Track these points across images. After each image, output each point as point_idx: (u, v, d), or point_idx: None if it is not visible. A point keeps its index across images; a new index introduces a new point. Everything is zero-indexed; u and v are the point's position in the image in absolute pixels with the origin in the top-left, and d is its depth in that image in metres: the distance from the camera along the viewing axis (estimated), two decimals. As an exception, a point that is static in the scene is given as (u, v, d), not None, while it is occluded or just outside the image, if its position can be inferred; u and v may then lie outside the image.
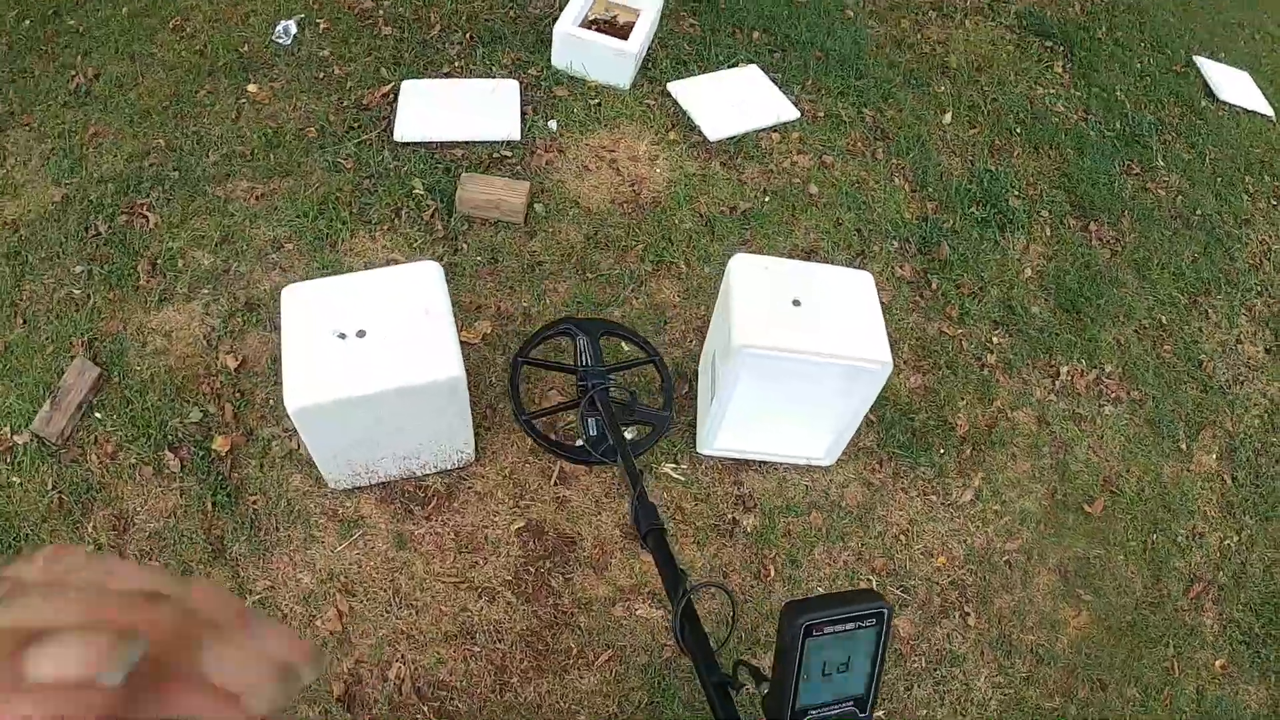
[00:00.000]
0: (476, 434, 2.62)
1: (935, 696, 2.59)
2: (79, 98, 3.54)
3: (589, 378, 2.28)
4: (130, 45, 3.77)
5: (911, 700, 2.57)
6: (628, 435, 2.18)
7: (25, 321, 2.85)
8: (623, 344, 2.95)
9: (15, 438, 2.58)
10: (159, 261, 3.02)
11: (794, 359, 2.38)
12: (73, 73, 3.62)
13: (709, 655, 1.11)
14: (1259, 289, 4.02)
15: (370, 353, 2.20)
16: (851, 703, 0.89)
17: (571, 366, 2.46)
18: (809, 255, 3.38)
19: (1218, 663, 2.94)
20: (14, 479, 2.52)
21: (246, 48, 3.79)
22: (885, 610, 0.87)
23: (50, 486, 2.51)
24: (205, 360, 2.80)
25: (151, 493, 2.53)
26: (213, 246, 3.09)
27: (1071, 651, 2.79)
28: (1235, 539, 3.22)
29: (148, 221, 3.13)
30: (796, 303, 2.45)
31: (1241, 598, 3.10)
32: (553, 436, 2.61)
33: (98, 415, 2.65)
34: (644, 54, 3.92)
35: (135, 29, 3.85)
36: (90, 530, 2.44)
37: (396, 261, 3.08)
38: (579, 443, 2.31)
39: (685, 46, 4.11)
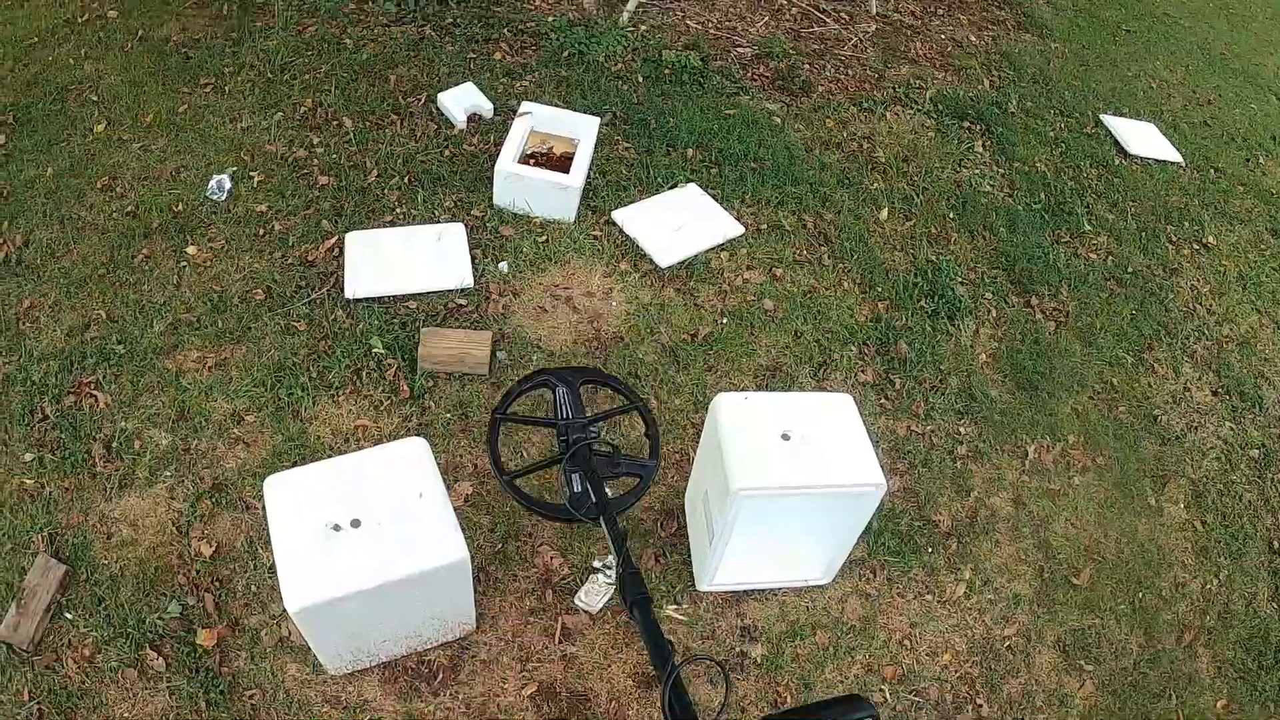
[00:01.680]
0: (475, 600, 2.69)
1: (962, 792, 2.76)
2: (9, 268, 3.52)
3: (570, 431, 2.25)
4: (58, 209, 3.76)
5: (941, 800, 2.73)
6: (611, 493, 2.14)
7: (-22, 518, 2.83)
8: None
9: (-20, 645, 2.54)
10: (114, 444, 3.00)
11: (792, 495, 2.57)
12: (0, 241, 3.62)
13: None
14: (1196, 334, 4.34)
15: (368, 543, 2.25)
16: None
17: (552, 420, 2.43)
18: (773, 373, 3.60)
19: (1219, 704, 3.15)
20: (-15, 691, 2.49)
21: (180, 206, 3.79)
22: (871, 717, 0.85)
23: (27, 697, 2.45)
24: (177, 548, 2.79)
25: (139, 696, 2.50)
26: (169, 424, 3.08)
27: (1083, 723, 2.98)
28: (1215, 581, 3.46)
29: (97, 401, 3.11)
30: (786, 436, 2.62)
31: (1230, 637, 3.33)
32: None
33: (69, 616, 2.61)
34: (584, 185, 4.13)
35: (62, 190, 3.84)
36: (80, 744, 2.43)
37: (365, 428, 3.15)
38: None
39: (623, 171, 4.33)
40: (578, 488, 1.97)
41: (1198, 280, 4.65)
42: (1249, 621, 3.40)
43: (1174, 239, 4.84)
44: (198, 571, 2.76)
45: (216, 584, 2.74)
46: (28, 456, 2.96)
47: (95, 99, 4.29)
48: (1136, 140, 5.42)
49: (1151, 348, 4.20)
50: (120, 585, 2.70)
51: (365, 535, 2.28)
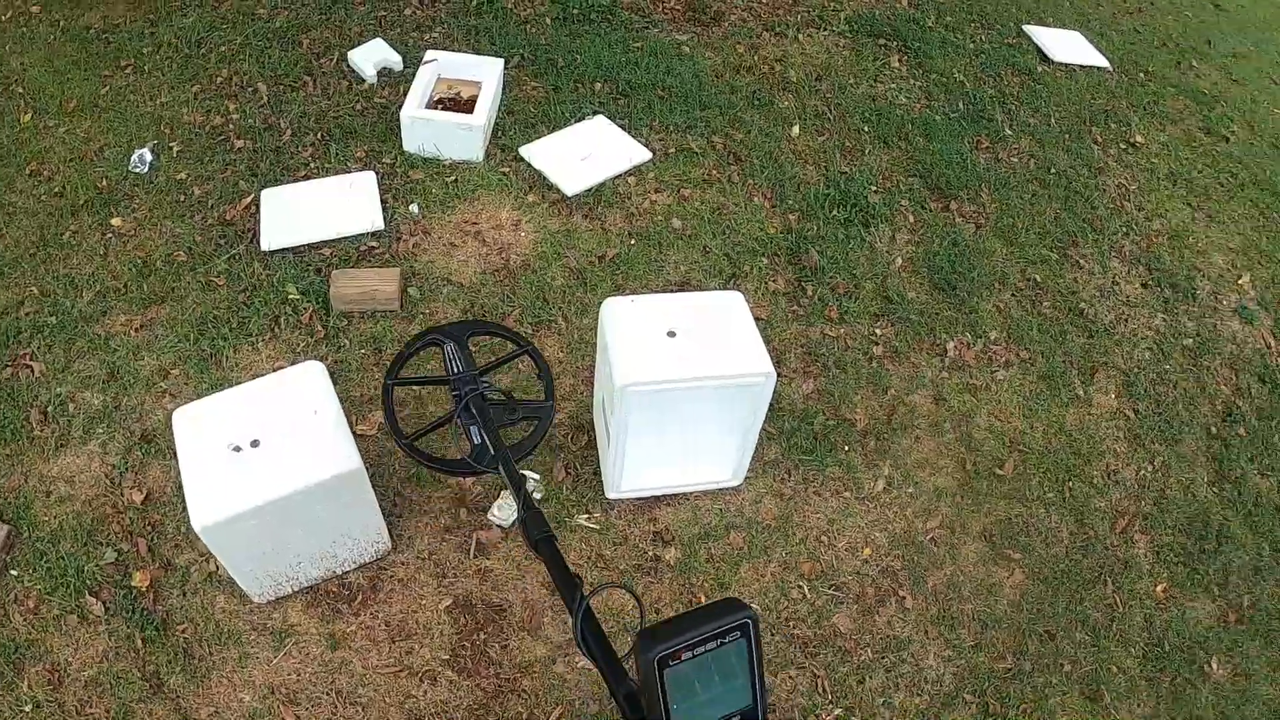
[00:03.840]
0: (389, 523, 2.79)
1: (889, 683, 2.80)
2: None
3: (462, 385, 2.27)
4: None
5: (866, 692, 2.77)
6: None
7: (-77, 491, 2.95)
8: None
9: (-67, 608, 2.66)
10: (49, 409, 3.14)
11: (678, 388, 2.60)
12: None
13: (615, 663, 1.09)
14: (1124, 230, 4.41)
15: (267, 460, 2.37)
16: (739, 716, 0.91)
17: (444, 377, 2.47)
18: (682, 288, 3.65)
19: (1159, 588, 3.22)
20: (-62, 651, 2.60)
21: (105, 182, 3.94)
22: (748, 620, 0.88)
23: (-22, 652, 2.59)
24: (111, 499, 2.92)
25: (81, 640, 2.63)
26: (100, 385, 3.22)
27: (1013, 610, 3.03)
28: (1150, 468, 3.53)
29: (32, 371, 3.24)
30: (671, 333, 2.68)
31: (1168, 521, 3.40)
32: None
33: (13, 573, 2.75)
34: (492, 124, 4.19)
35: None
36: (26, 689, 2.52)
37: (283, 369, 3.25)
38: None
39: (531, 110, 4.40)
40: (476, 440, 2.03)
41: (1125, 178, 4.72)
42: (1187, 506, 3.47)
43: (1100, 140, 4.91)
44: (130, 519, 2.89)
45: (148, 528, 2.87)
46: (-32, 430, 3.11)
47: (21, 91, 4.39)
48: (1060, 48, 5.48)
49: (1077, 244, 4.26)
50: (60, 539, 2.83)
51: (265, 453, 2.38)
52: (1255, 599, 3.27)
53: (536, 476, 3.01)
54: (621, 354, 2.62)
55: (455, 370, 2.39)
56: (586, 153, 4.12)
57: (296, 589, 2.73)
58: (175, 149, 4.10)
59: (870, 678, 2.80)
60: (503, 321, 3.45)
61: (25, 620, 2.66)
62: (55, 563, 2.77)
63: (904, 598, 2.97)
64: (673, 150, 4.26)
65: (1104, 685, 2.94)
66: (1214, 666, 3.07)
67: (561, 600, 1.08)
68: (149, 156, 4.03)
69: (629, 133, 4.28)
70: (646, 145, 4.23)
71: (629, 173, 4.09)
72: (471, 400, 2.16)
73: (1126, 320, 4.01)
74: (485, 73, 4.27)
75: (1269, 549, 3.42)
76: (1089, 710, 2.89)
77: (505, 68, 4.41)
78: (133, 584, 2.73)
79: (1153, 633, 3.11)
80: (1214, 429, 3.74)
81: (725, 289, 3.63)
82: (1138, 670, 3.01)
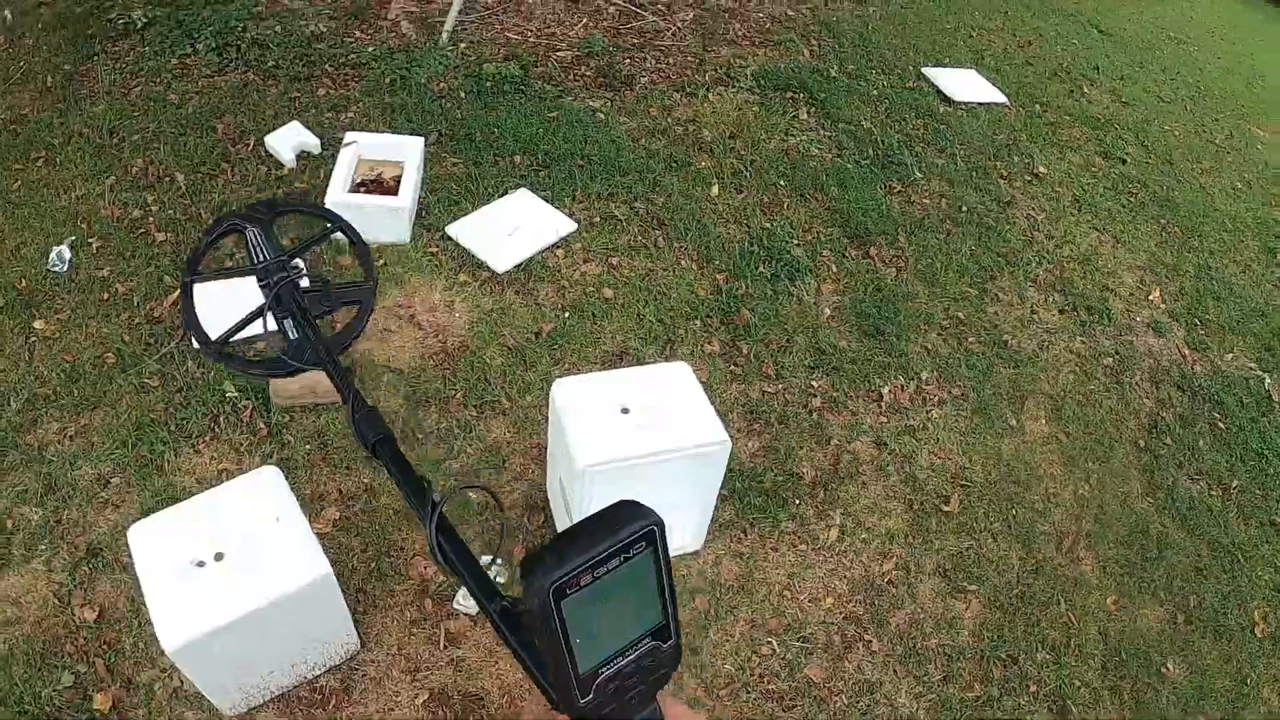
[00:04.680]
0: (355, 620, 2.80)
1: (865, 728, 2.90)
2: None
3: (270, 274, 2.13)
4: None
5: (843, 739, 2.86)
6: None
7: None
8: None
9: (-125, 752, 2.59)
10: None
11: (638, 464, 2.69)
12: None
13: (481, 576, 0.96)
14: (1037, 259, 4.65)
15: (233, 573, 2.36)
16: (650, 638, 0.82)
17: (248, 268, 2.34)
18: (620, 357, 3.74)
19: (1110, 600, 3.39)
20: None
21: (24, 282, 3.85)
22: (653, 526, 0.78)
23: (-70, 795, 2.52)
24: (62, 619, 2.86)
25: None
26: (38, 499, 3.15)
27: (975, 640, 3.16)
28: (1086, 486, 3.72)
29: None
30: (625, 410, 2.76)
31: (1110, 535, 3.59)
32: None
33: None
34: (416, 204, 4.25)
35: None
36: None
37: (228, 471, 3.23)
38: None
39: (454, 187, 4.46)
40: (294, 335, 1.78)
41: (1033, 209, 4.97)
42: (1125, 519, 3.66)
43: (1005, 174, 5.16)
44: (85, 638, 2.83)
45: (105, 647, 2.81)
46: (-99, 554, 3.02)
47: None
48: (959, 87, 5.77)
49: (994, 278, 4.47)
50: (11, 663, 2.76)
51: (230, 566, 2.38)
52: (1200, 598, 3.48)
53: (500, 561, 3.05)
54: (579, 435, 2.69)
55: (261, 259, 2.23)
56: (513, 227, 4.21)
57: (267, 698, 2.71)
58: (94, 245, 4.03)
59: (846, 724, 2.89)
60: (446, 407, 3.50)
61: (-16, 758, 2.60)
62: (10, 690, 2.70)
63: (870, 641, 3.07)
64: (597, 219, 4.37)
65: (1070, 700, 3.08)
66: (1170, 668, 3.25)
67: (448, 568, 0.83)
68: (67, 254, 3.95)
69: (552, 204, 4.38)
70: (571, 216, 4.34)
71: (557, 245, 4.19)
72: (282, 290, 1.94)
73: (1048, 347, 4.21)
74: (406, 152, 4.32)
75: (1207, 549, 3.64)
76: (1058, 729, 3.02)
77: (424, 145, 4.47)
78: (94, 707, 2.68)
79: (1109, 644, 3.27)
80: (1142, 442, 3.95)
81: (662, 355, 3.74)
82: (1099, 681, 3.16)
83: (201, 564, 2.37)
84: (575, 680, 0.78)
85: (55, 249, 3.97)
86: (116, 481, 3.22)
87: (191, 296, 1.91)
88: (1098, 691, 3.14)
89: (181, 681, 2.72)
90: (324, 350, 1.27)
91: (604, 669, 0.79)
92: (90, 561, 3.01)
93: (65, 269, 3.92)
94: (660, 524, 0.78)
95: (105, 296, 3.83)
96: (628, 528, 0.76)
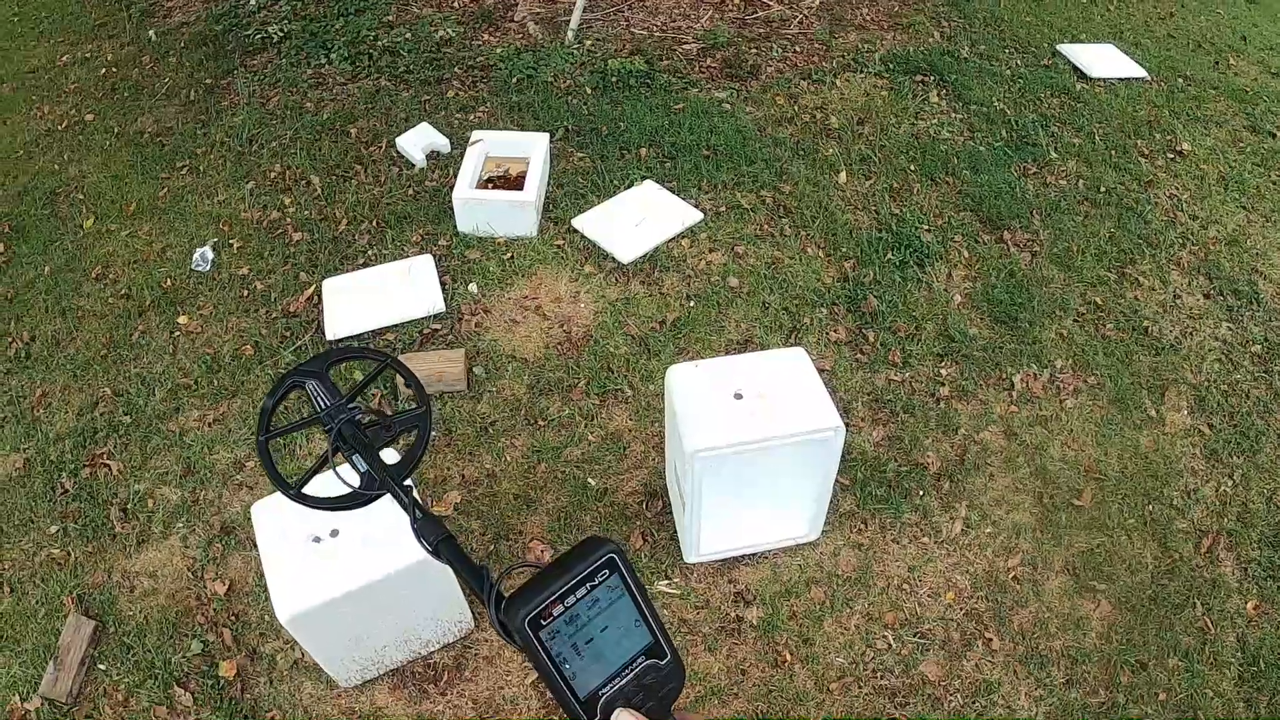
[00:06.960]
0: (469, 600, 2.81)
1: (983, 728, 2.75)
2: (20, 363, 3.81)
3: (333, 418, 2.22)
4: (59, 302, 4.07)
5: (961, 738, 2.73)
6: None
7: (12, 590, 3.06)
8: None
9: (26, 705, 2.75)
10: (129, 506, 3.24)
11: (748, 449, 2.61)
12: (9, 339, 3.91)
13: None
14: (1180, 241, 4.31)
15: (347, 548, 2.41)
16: (644, 657, 0.85)
17: (314, 418, 2.43)
18: (744, 346, 3.65)
19: (1250, 605, 3.10)
20: (33, 747, 2.67)
21: (169, 282, 4.06)
22: (613, 554, 0.82)
23: (69, 747, 2.64)
24: (195, 591, 3.00)
25: None
26: (177, 480, 3.31)
27: (1102, 643, 2.95)
28: (1230, 483, 3.42)
29: (110, 470, 3.35)
30: (738, 395, 2.68)
31: (1253, 536, 3.28)
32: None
33: (101, 667, 2.83)
34: (542, 199, 4.25)
35: (60, 285, 4.16)
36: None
37: None
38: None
39: (580, 180, 4.46)
40: (362, 467, 1.93)
41: (1176, 188, 4.62)
42: (1271, 518, 3.35)
43: (1145, 152, 4.81)
44: (215, 610, 2.96)
45: (233, 618, 2.94)
46: (53, 529, 3.22)
47: (82, 197, 4.60)
48: (1097, 63, 5.40)
49: (1134, 262, 4.17)
50: (146, 632, 2.91)
51: (345, 542, 2.44)
52: (1352, 609, 3.16)
53: None
54: (689, 420, 2.63)
55: (322, 406, 2.32)
56: (638, 219, 4.16)
57: (382, 672, 2.76)
58: (235, 245, 4.22)
59: (965, 723, 2.76)
60: (569, 395, 3.49)
61: (115, 713, 2.73)
62: (142, 656, 2.84)
63: (990, 639, 2.92)
64: (723, 209, 4.28)
65: (1201, 710, 2.83)
66: (1315, 681, 2.97)
67: (475, 595, 0.94)
68: (210, 254, 4.15)
69: (678, 195, 4.31)
70: (697, 206, 4.26)
71: (682, 235, 4.12)
72: (341, 427, 2.06)
73: (1192, 333, 3.91)
74: (532, 148, 4.33)
75: (1361, 555, 3.31)
76: (1189, 740, 2.80)
77: (550, 141, 4.46)
78: (220, 674, 2.79)
79: (1247, 652, 3.00)
80: (1293, 436, 3.63)
81: (787, 343, 3.63)
82: (1234, 692, 2.90)
83: (318, 539, 2.43)
84: (577, 702, 0.82)
85: (199, 250, 4.18)
86: (251, 465, 3.36)
87: (268, 454, 2.05)
88: (1231, 702, 2.88)
89: (302, 654, 2.80)
90: (389, 476, 1.40)
91: (604, 690, 0.83)
92: (223, 539, 3.14)
93: (208, 268, 4.13)
94: (619, 551, 0.82)
95: (245, 293, 4.01)
96: (588, 558, 0.81)
